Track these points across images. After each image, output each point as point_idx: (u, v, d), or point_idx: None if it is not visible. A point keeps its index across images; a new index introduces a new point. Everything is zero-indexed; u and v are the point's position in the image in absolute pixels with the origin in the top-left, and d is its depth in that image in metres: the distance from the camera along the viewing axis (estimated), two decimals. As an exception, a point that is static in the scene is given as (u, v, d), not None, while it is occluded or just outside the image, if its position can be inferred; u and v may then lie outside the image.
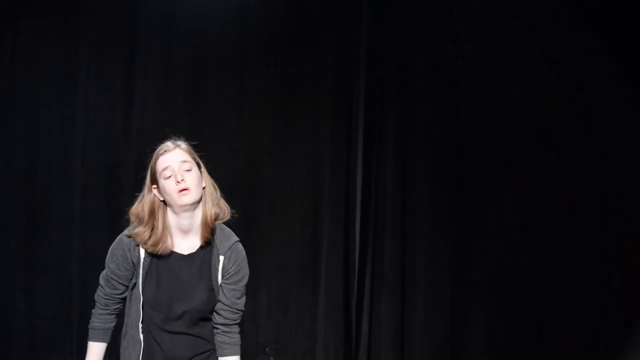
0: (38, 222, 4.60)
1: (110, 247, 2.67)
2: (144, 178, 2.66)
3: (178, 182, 2.57)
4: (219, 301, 2.64)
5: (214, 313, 2.66)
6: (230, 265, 2.65)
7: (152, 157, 2.64)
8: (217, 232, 2.66)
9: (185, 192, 2.58)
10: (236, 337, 2.68)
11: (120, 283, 2.64)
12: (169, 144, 2.66)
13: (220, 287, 2.64)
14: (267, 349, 4.74)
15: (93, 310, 2.67)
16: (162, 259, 2.62)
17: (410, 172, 4.79)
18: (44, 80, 4.59)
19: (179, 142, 2.68)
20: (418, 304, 4.76)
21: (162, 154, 2.61)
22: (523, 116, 4.62)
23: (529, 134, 4.62)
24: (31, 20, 4.57)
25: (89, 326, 2.67)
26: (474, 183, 4.73)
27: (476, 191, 4.73)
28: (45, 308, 4.57)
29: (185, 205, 2.59)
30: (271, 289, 4.74)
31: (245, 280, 2.69)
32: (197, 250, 2.66)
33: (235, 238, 2.70)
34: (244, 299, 2.70)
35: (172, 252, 2.63)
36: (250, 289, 4.87)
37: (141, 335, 2.64)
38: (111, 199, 4.56)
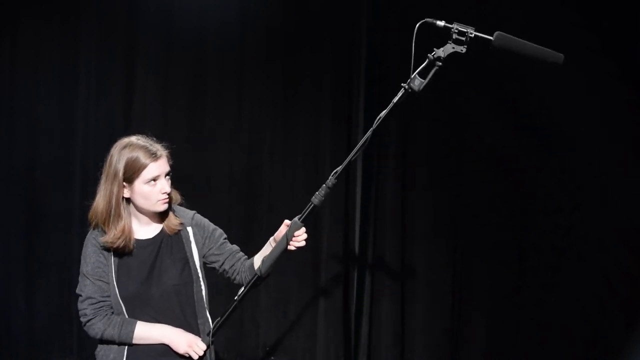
0: (38, 222, 4.60)
1: (82, 257, 2.71)
2: (104, 169, 2.66)
3: (163, 193, 2.64)
4: (223, 261, 2.80)
5: (231, 269, 2.80)
6: (200, 233, 2.78)
7: (128, 155, 2.62)
8: (175, 211, 2.77)
9: (165, 201, 2.67)
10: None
11: (105, 282, 2.66)
12: (154, 149, 2.65)
13: (211, 256, 2.79)
14: (267, 349, 4.74)
15: (93, 329, 2.64)
16: (128, 251, 2.67)
17: (410, 172, 4.79)
18: (44, 80, 4.59)
19: (161, 148, 2.69)
20: (418, 304, 4.76)
21: (152, 161, 2.62)
22: (523, 116, 4.62)
23: (530, 133, 4.62)
24: (31, 20, 4.57)
25: (115, 333, 2.62)
26: (474, 183, 4.73)
27: (476, 191, 4.73)
28: (45, 308, 4.57)
29: (162, 211, 2.69)
30: (271, 289, 4.74)
31: (221, 231, 2.84)
32: (160, 232, 2.73)
33: (193, 211, 2.83)
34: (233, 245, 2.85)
35: (136, 241, 2.69)
36: (250, 289, 4.88)
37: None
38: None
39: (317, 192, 2.55)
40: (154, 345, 2.64)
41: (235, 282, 2.85)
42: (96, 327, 2.63)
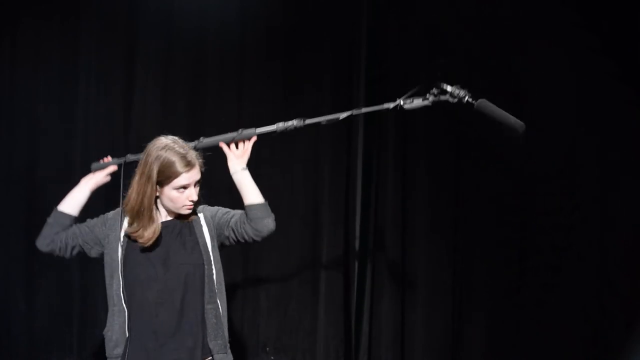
0: (38, 222, 4.57)
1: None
2: (140, 165, 2.74)
3: (190, 201, 2.73)
4: (227, 224, 2.79)
5: (237, 229, 2.77)
6: (209, 215, 2.83)
7: (164, 159, 2.67)
8: None
9: (190, 207, 2.76)
10: None
11: (83, 238, 2.84)
12: (189, 157, 2.71)
13: (219, 229, 2.79)
14: (267, 349, 4.74)
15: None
16: None
17: (410, 172, 4.79)
18: (44, 80, 4.59)
19: (195, 157, 2.77)
20: (418, 304, 4.76)
21: (185, 171, 2.68)
22: (523, 115, 4.61)
23: (529, 134, 4.61)
24: (31, 20, 4.57)
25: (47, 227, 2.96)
26: (474, 183, 4.73)
27: (476, 191, 4.72)
28: (45, 308, 4.57)
29: (185, 214, 2.76)
30: (271, 289, 4.74)
31: (229, 210, 2.88)
32: (175, 217, 2.80)
33: (201, 204, 2.88)
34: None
35: None
36: (251, 289, 4.91)
37: (124, 305, 2.71)
38: (111, 199, 4.57)
39: (285, 122, 2.88)
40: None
41: (246, 238, 2.79)
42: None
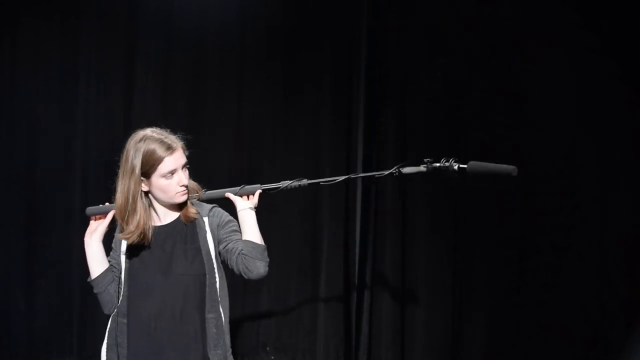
0: (38, 222, 4.60)
1: None
2: (121, 164, 2.64)
3: (181, 186, 2.61)
4: (225, 246, 2.69)
5: (230, 255, 2.67)
6: (216, 220, 2.73)
7: (144, 149, 2.58)
8: (194, 203, 2.75)
9: (184, 193, 2.64)
10: None
11: (114, 267, 2.75)
12: (169, 141, 2.63)
13: (219, 244, 2.70)
14: (267, 348, 4.74)
15: None
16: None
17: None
18: (44, 80, 4.59)
19: (176, 140, 2.68)
20: (418, 304, 4.76)
21: (168, 154, 2.59)
22: (523, 115, 4.62)
23: (530, 133, 4.62)
24: (31, 20, 4.57)
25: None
26: (474, 182, 4.72)
27: (476, 191, 4.72)
28: (45, 308, 4.58)
29: (181, 202, 2.67)
30: (271, 288, 4.74)
31: (236, 223, 2.77)
32: (176, 220, 2.72)
33: (212, 204, 2.79)
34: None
35: (153, 227, 2.69)
36: (251, 289, 4.91)
37: (125, 318, 2.67)
38: (111, 200, 4.57)
39: (291, 181, 2.95)
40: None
41: (234, 268, 2.70)
42: None
